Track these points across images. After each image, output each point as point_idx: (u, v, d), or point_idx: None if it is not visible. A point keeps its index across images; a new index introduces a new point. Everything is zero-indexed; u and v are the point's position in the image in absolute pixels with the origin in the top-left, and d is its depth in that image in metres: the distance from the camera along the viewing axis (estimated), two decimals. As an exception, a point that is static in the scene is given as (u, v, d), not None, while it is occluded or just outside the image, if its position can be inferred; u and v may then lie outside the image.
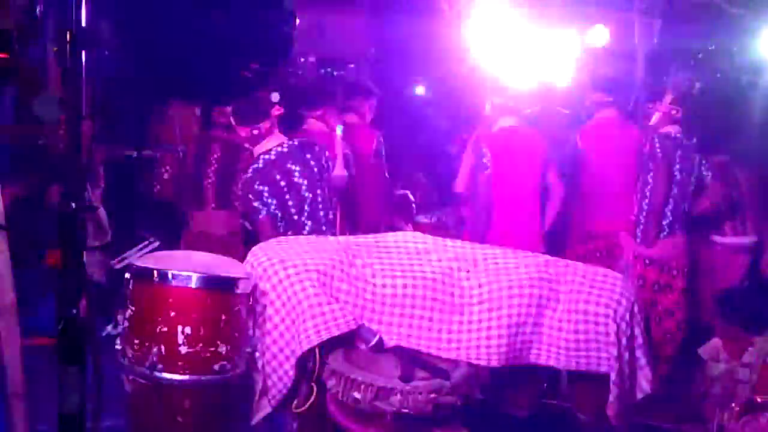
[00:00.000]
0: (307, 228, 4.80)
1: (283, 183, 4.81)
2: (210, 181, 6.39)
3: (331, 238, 4.47)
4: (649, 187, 5.69)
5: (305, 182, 4.81)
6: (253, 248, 4.00)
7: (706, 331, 5.28)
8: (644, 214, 5.71)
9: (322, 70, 8.98)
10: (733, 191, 6.43)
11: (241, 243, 6.02)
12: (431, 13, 6.56)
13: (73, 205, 2.78)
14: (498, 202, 5.81)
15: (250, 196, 4.79)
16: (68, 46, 2.59)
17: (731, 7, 9.42)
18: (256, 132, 4.90)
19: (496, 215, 5.79)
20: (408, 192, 7.24)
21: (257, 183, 4.78)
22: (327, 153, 5.00)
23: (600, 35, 8.02)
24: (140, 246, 3.80)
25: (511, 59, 7.55)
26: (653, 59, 8.27)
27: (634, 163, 5.92)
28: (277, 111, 4.85)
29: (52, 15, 4.85)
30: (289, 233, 4.74)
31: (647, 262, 5.70)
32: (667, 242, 5.68)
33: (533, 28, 7.56)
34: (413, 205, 7.08)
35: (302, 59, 8.84)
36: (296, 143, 4.90)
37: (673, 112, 5.79)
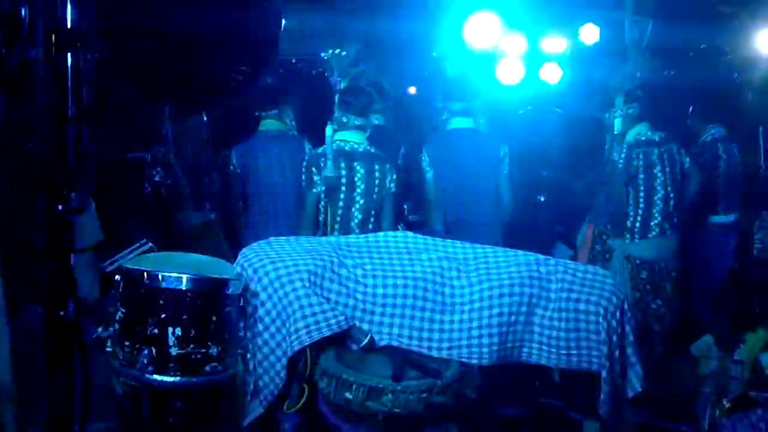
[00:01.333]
0: (355, 233, 4.85)
1: (344, 173, 4.91)
2: None
3: (322, 238, 4.47)
4: (633, 193, 5.72)
5: (362, 187, 4.87)
6: (243, 249, 4.00)
7: (698, 327, 5.29)
8: (631, 214, 5.73)
9: (313, 71, 8.97)
10: (718, 169, 6.48)
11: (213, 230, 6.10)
12: (419, 12, 6.55)
13: (60, 207, 2.77)
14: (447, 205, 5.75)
15: (314, 168, 4.92)
16: (54, 48, 2.59)
17: (723, 6, 9.45)
18: (345, 120, 5.03)
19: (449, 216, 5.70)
20: None
21: (322, 159, 4.91)
22: (395, 176, 5.08)
23: (590, 34, 8.04)
24: (132, 248, 3.79)
25: (501, 59, 7.58)
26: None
27: None
28: (376, 120, 4.94)
29: (40, 17, 4.83)
30: (336, 227, 4.87)
31: (638, 262, 5.71)
32: (657, 242, 5.69)
33: (524, 27, 7.58)
34: (404, 205, 7.08)
35: (293, 59, 8.86)
36: (373, 152, 4.96)
37: (630, 110, 5.80)
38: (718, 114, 6.88)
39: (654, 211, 5.68)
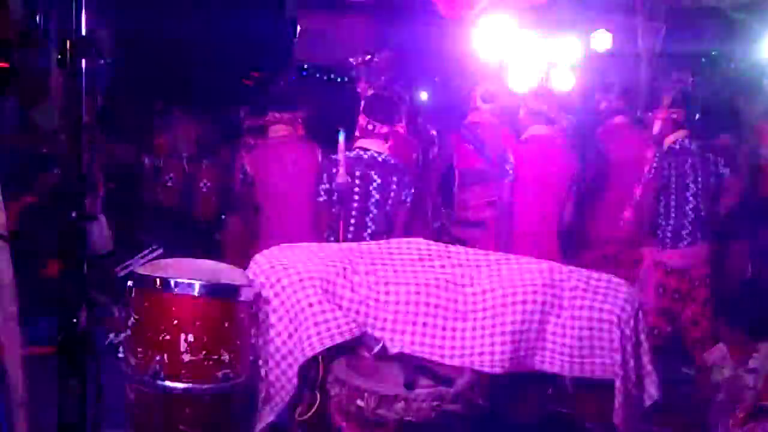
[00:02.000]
0: (366, 239, 4.87)
1: (358, 182, 4.93)
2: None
3: (335, 244, 4.46)
4: (664, 202, 5.69)
5: (377, 197, 4.86)
6: (256, 255, 3.98)
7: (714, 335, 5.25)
8: (663, 223, 5.70)
9: (326, 77, 8.97)
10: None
11: None
12: (433, 18, 6.57)
13: (74, 214, 2.77)
14: (519, 212, 5.78)
15: (325, 175, 4.95)
16: (68, 54, 2.58)
17: (734, 12, 9.43)
18: (371, 127, 5.05)
19: (517, 224, 5.73)
20: None
21: (335, 168, 4.92)
22: (412, 189, 5.11)
23: (603, 40, 8.01)
24: (143, 253, 3.79)
25: (515, 64, 7.55)
26: (656, 63, 8.27)
27: (640, 170, 5.91)
28: (401, 128, 4.98)
29: (55, 23, 4.84)
30: (349, 236, 4.88)
31: (668, 270, 5.67)
32: (688, 251, 5.65)
33: (536, 32, 7.55)
34: None
35: (305, 66, 8.86)
36: (392, 162, 4.97)
37: (674, 116, 5.75)
38: (727, 122, 6.76)
39: (686, 221, 5.64)
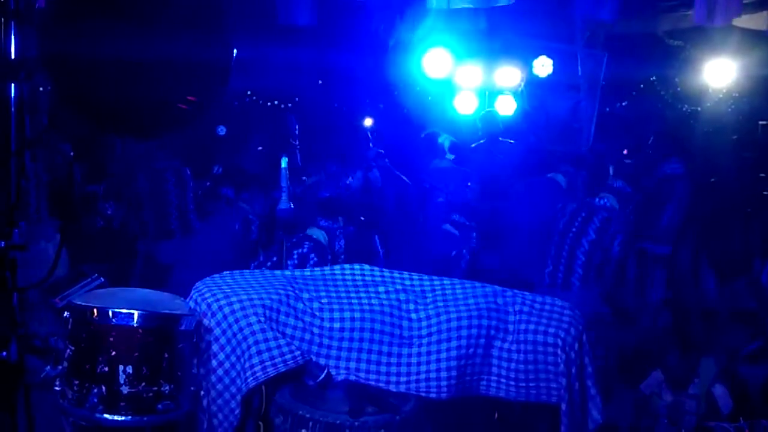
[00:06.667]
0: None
1: None
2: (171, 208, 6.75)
3: (278, 272, 4.40)
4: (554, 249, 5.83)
5: None
6: (197, 283, 3.92)
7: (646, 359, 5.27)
8: (554, 265, 5.81)
9: (269, 104, 8.96)
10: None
11: None
12: (376, 46, 6.61)
13: (2, 243, 2.68)
14: None
15: None
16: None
17: (671, 40, 9.66)
18: None
19: None
20: None
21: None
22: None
23: (544, 66, 8.12)
24: (83, 282, 3.69)
25: (457, 92, 7.64)
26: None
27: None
28: None
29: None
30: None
31: None
32: (580, 294, 5.73)
33: (478, 60, 7.65)
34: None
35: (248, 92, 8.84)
36: None
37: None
38: (673, 146, 6.85)
39: (576, 265, 5.74)
